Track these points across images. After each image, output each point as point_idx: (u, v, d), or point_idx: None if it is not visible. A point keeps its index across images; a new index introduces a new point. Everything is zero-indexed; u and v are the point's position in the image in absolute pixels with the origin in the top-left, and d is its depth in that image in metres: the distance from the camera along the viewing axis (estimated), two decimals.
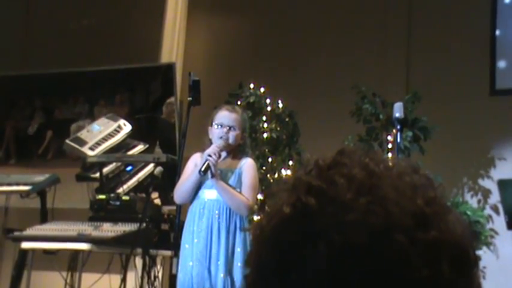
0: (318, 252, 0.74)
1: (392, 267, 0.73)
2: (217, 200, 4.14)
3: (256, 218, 5.03)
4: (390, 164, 0.81)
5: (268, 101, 6.64)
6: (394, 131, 5.23)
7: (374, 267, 0.73)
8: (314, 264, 0.74)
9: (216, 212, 4.13)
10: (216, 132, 4.19)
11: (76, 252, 5.17)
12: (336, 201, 0.76)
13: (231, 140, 4.18)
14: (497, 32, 7.05)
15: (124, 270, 5.04)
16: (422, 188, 0.79)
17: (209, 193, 4.17)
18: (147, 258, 4.91)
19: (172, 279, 4.41)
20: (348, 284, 0.73)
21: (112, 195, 5.32)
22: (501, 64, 7.00)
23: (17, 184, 5.71)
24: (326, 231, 0.74)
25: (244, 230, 4.08)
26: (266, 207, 0.84)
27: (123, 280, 4.95)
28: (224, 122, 4.19)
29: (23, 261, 5.28)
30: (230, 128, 4.18)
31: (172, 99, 6.86)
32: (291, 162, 6.48)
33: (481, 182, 6.88)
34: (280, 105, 6.65)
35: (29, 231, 5.10)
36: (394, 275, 0.73)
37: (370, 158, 0.81)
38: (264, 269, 0.79)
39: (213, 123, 4.21)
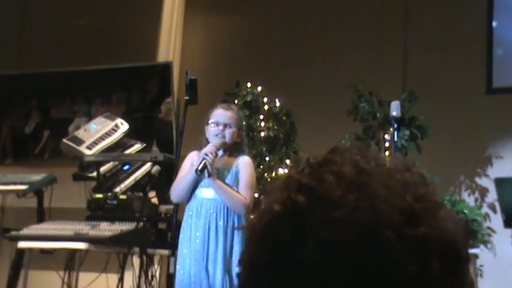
0: (307, 250, 0.74)
1: (381, 263, 0.73)
2: (214, 199, 4.14)
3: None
4: (382, 162, 0.81)
5: (265, 99, 6.63)
6: (391, 129, 5.25)
7: (363, 264, 0.73)
8: (303, 262, 0.74)
9: (214, 210, 4.13)
10: (212, 131, 4.19)
11: (73, 251, 5.17)
12: (325, 198, 0.76)
13: (227, 138, 4.18)
14: (494, 31, 7.05)
15: (121, 269, 5.03)
16: (412, 185, 0.78)
17: (206, 192, 4.17)
18: (144, 258, 4.91)
19: (169, 278, 4.41)
20: (337, 281, 0.73)
21: (109, 194, 5.31)
22: (498, 62, 7.00)
23: (14, 183, 5.71)
24: (315, 228, 0.74)
25: (238, 229, 4.07)
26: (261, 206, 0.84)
27: (121, 279, 4.94)
28: (220, 120, 4.19)
29: (20, 261, 5.27)
30: (226, 125, 4.18)
31: (170, 98, 6.86)
32: (288, 161, 6.48)
33: (478, 180, 6.89)
34: (278, 104, 6.65)
35: (26, 231, 5.09)
36: (383, 272, 0.73)
37: (362, 155, 0.81)
38: (255, 267, 0.79)
39: (209, 122, 4.21)
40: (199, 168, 4.03)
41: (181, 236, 4.20)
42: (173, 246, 4.31)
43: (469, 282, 0.79)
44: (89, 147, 6.30)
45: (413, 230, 0.74)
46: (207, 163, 4.03)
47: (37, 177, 5.72)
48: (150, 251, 4.97)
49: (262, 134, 6.51)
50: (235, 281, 4.04)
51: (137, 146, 6.55)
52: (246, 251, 0.82)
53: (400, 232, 0.74)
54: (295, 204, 0.77)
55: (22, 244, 5.08)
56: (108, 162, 6.02)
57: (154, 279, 5.01)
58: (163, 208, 5.45)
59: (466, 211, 6.20)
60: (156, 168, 5.01)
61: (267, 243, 0.78)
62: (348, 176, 0.77)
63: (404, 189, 0.77)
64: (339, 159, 0.80)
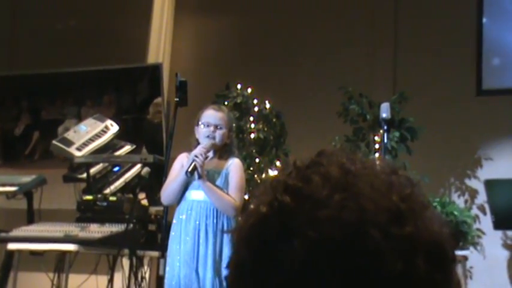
0: (293, 249, 0.74)
1: (366, 262, 0.73)
2: (204, 201, 4.13)
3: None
4: (368, 164, 0.82)
5: (255, 101, 6.63)
6: (381, 131, 5.24)
7: (349, 263, 0.73)
8: (289, 261, 0.74)
9: (203, 213, 4.12)
10: (202, 132, 4.19)
11: (63, 253, 5.14)
12: (311, 198, 0.76)
13: (217, 139, 4.18)
14: (484, 32, 7.07)
15: (111, 271, 5.02)
16: (398, 186, 0.79)
17: (196, 194, 4.16)
18: (134, 259, 4.90)
19: (159, 280, 4.41)
20: (323, 279, 0.73)
21: (99, 196, 5.30)
22: (488, 64, 7.02)
23: (3, 185, 5.68)
24: (301, 228, 0.75)
25: (226, 232, 4.08)
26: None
27: (110, 281, 4.93)
28: (210, 121, 4.19)
29: (10, 263, 5.25)
30: (216, 126, 4.18)
31: (158, 99, 6.85)
32: (278, 163, 6.48)
33: (468, 182, 6.90)
34: (268, 105, 6.65)
35: (16, 232, 5.08)
36: (369, 270, 0.73)
37: (348, 158, 0.82)
38: (241, 268, 0.79)
39: (200, 123, 4.21)
40: (190, 169, 4.02)
41: (171, 237, 4.19)
42: (163, 248, 4.31)
43: (456, 281, 0.80)
44: (78, 149, 6.30)
45: (399, 229, 0.75)
46: (197, 165, 4.03)
47: (27, 178, 5.71)
48: (139, 252, 4.97)
49: (252, 135, 6.50)
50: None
51: (127, 148, 6.55)
52: (233, 253, 0.82)
53: (385, 231, 0.74)
54: (282, 205, 0.77)
55: (12, 246, 5.06)
56: (98, 163, 6.02)
57: (144, 281, 5.00)
58: (153, 210, 5.44)
59: (456, 213, 6.21)
60: (146, 169, 5.01)
61: (254, 244, 0.78)
62: (334, 177, 0.78)
63: (390, 190, 0.78)
64: (326, 162, 0.81)
